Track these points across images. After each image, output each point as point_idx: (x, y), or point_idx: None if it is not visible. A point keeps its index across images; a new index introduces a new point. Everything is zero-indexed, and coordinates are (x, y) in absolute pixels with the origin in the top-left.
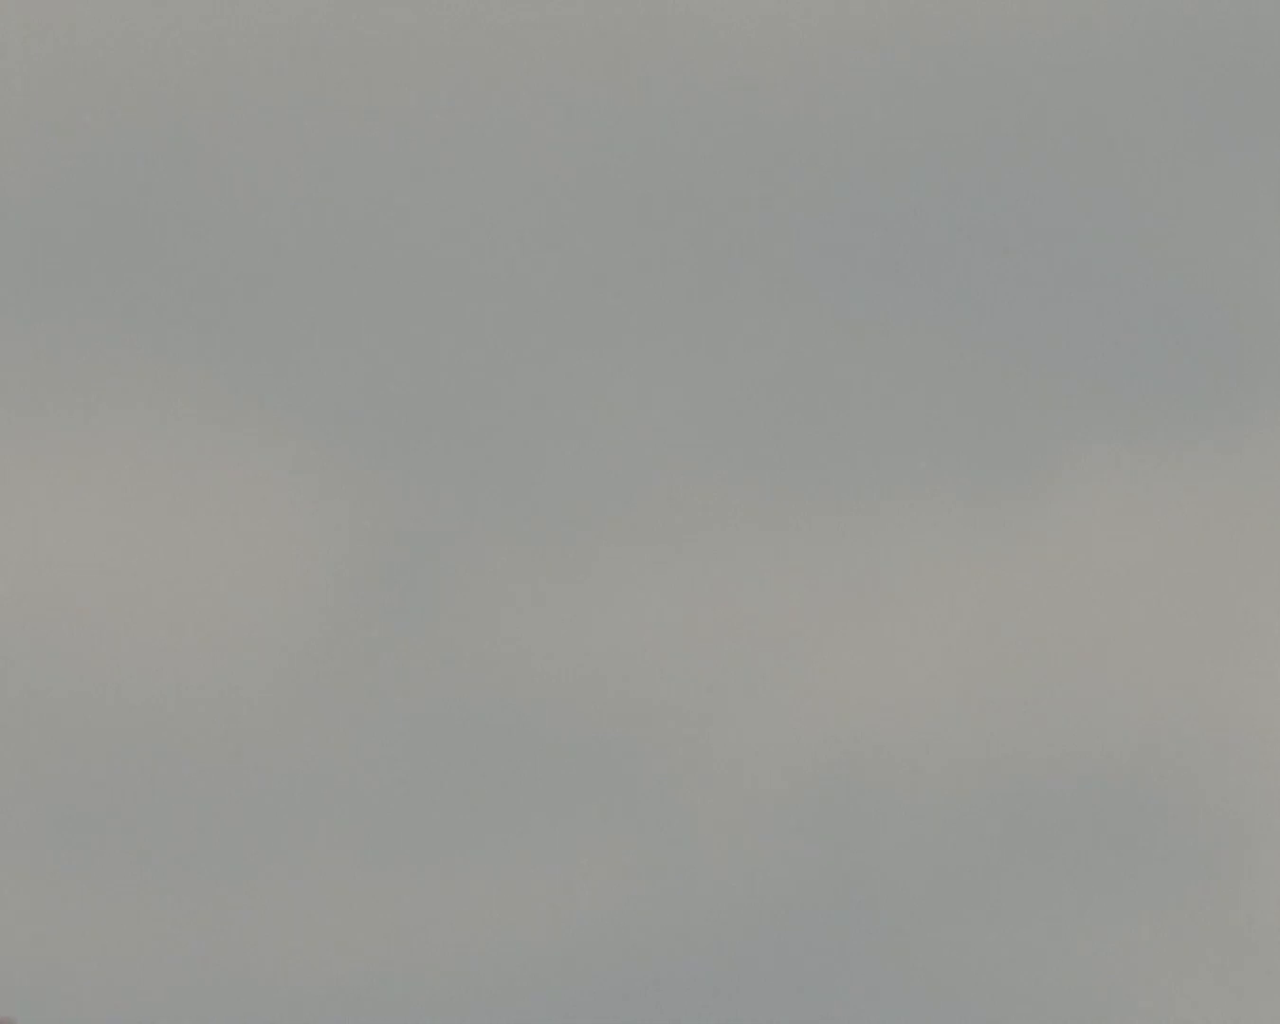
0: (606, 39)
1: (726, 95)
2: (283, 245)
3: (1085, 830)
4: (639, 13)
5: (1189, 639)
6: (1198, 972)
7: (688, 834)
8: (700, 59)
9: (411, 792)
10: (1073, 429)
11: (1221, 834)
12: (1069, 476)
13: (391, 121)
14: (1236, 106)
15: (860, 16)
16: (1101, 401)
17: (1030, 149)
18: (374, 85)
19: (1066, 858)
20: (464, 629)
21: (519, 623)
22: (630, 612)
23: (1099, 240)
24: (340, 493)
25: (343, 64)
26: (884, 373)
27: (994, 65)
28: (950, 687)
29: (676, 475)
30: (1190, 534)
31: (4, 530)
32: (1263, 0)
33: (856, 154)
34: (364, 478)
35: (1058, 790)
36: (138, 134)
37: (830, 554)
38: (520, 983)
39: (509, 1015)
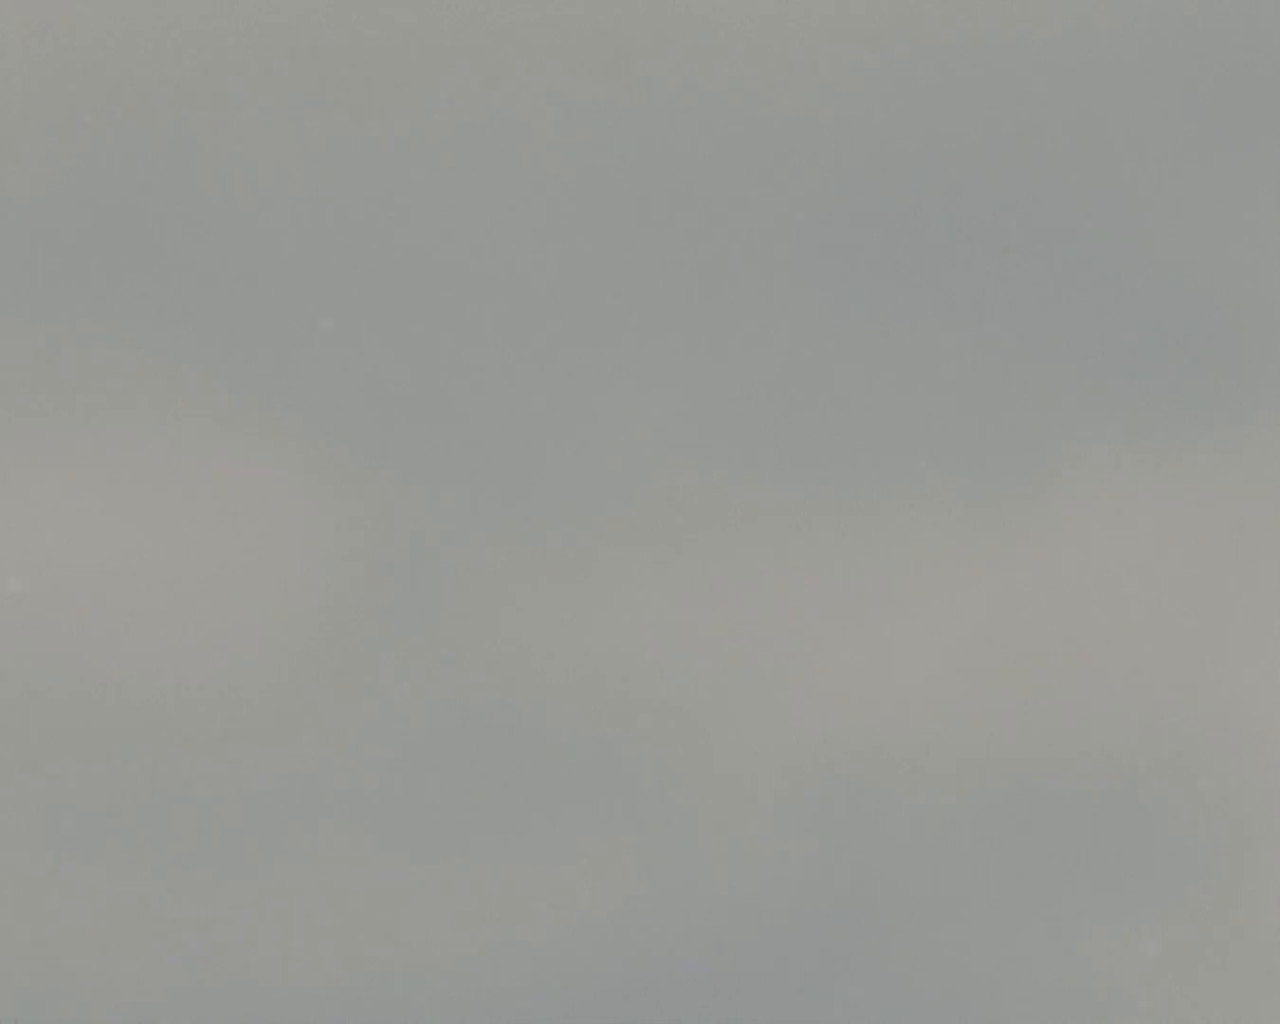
0: (606, 38)
1: (726, 94)
2: (282, 245)
3: (1089, 831)
4: (639, 12)
5: (1191, 639)
6: (1202, 972)
7: (689, 834)
8: (700, 58)
9: (412, 791)
10: (1074, 429)
11: (1225, 835)
12: (1070, 476)
13: (392, 122)
14: (1238, 107)
15: (860, 16)
16: (1103, 402)
17: (1032, 149)
18: (375, 86)
19: (1069, 858)
20: (465, 628)
21: (520, 622)
22: (631, 611)
23: (1101, 240)
24: (341, 492)
25: (344, 64)
26: (885, 373)
27: (995, 65)
28: (951, 687)
29: (677, 475)
30: (1192, 534)
31: (4, 530)
32: (1263, 0)
33: (857, 154)
34: (365, 477)
35: (1060, 791)
36: (141, 134)
37: (831, 554)
38: (521, 983)
39: (510, 1015)
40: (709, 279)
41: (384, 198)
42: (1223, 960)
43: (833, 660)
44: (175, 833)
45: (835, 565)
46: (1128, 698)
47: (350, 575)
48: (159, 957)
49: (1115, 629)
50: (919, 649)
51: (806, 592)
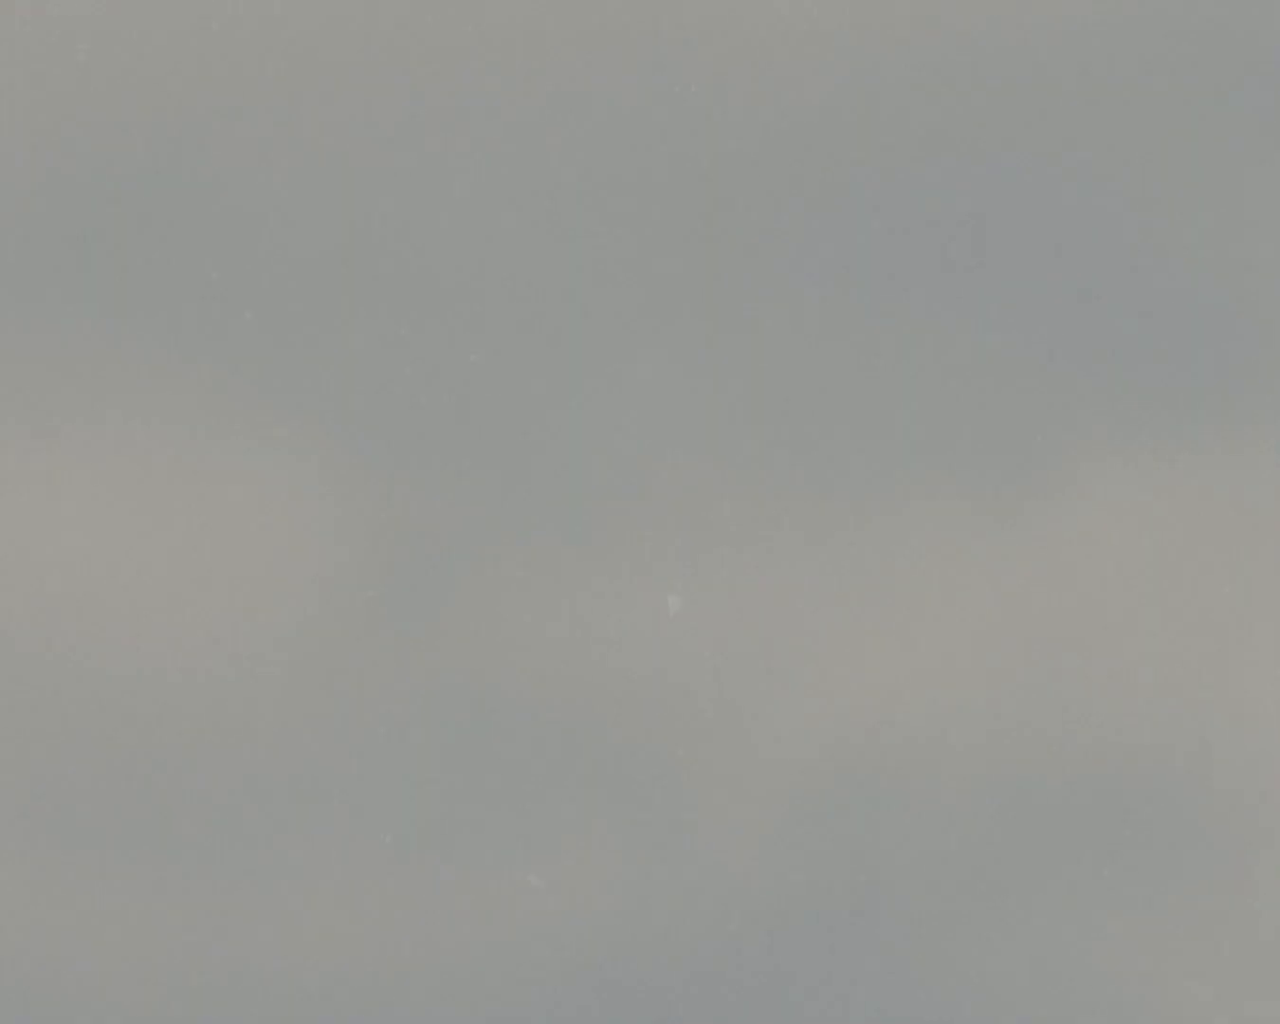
0: (610, 34)
1: (732, 92)
2: (282, 244)
3: (1099, 825)
4: (642, 11)
5: (1200, 637)
6: (1212, 966)
7: (691, 832)
8: (704, 56)
9: (412, 790)
10: (1083, 429)
11: (1235, 830)
12: (1080, 476)
13: (398, 126)
14: (1246, 109)
15: (861, 17)
16: (1112, 402)
17: (1046, 152)
18: (380, 90)
19: (1079, 853)
20: (466, 627)
21: (522, 622)
22: (638, 610)
23: (1112, 244)
24: (342, 490)
25: (347, 64)
26: (896, 373)
27: (1001, 67)
28: (959, 685)
29: (683, 475)
30: (1201, 533)
31: (4, 529)
32: (1263, 1)
33: (869, 154)
34: (367, 476)
35: (1068, 787)
36: (148, 134)
37: (839, 553)
38: (521, 982)
39: (509, 1015)
40: (717, 279)
41: (387, 198)
42: (1233, 954)
43: (840, 659)
44: (175, 831)
45: (843, 564)
46: (1138, 694)
47: (351, 575)
48: (158, 954)
49: (1124, 626)
50: (927, 647)
51: (812, 591)
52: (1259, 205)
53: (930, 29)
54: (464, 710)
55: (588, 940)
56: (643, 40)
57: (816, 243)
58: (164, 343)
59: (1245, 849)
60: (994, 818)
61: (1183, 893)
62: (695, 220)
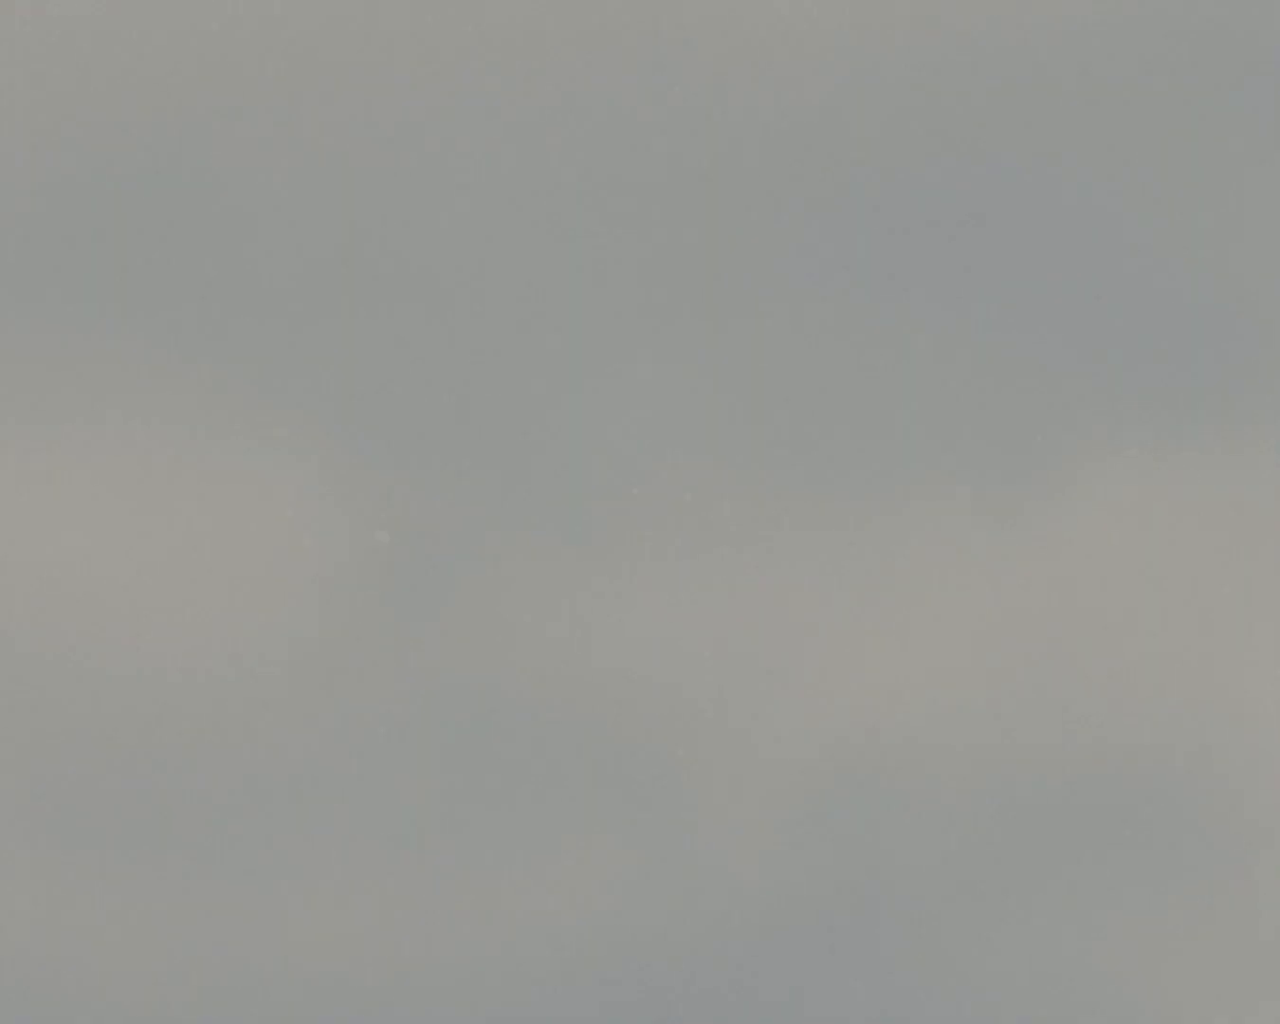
0: (610, 34)
1: (728, 92)
2: (282, 244)
3: (1102, 825)
4: (640, 11)
5: (1205, 637)
6: (1213, 966)
7: (692, 831)
8: (703, 56)
9: (412, 789)
10: (1088, 428)
11: (1238, 830)
12: (1085, 475)
13: (398, 128)
14: (1246, 108)
15: (860, 18)
16: (1117, 402)
17: (1046, 152)
18: (380, 91)
19: (1085, 855)
20: (467, 626)
21: (523, 621)
22: (638, 610)
23: (1117, 243)
24: (344, 489)
25: (347, 64)
26: (901, 372)
27: (1005, 67)
28: (964, 686)
29: (686, 475)
30: (1206, 533)
31: (4, 529)
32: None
33: (866, 153)
34: (368, 475)
35: (1074, 788)
36: (150, 134)
37: (843, 552)
38: (521, 981)
39: (509, 1015)
40: (717, 279)
41: (387, 198)
42: (1233, 954)
43: (840, 659)
44: (175, 831)
45: (843, 564)
46: (1142, 694)
47: (351, 575)
48: (158, 954)
49: (1124, 626)
50: (927, 647)
51: (812, 591)
52: (1259, 205)
53: (930, 29)
54: (464, 710)
55: (588, 940)
56: (643, 40)
57: (816, 243)
58: (164, 343)
59: (1245, 849)
60: (994, 818)
61: (1183, 893)
62: (695, 220)
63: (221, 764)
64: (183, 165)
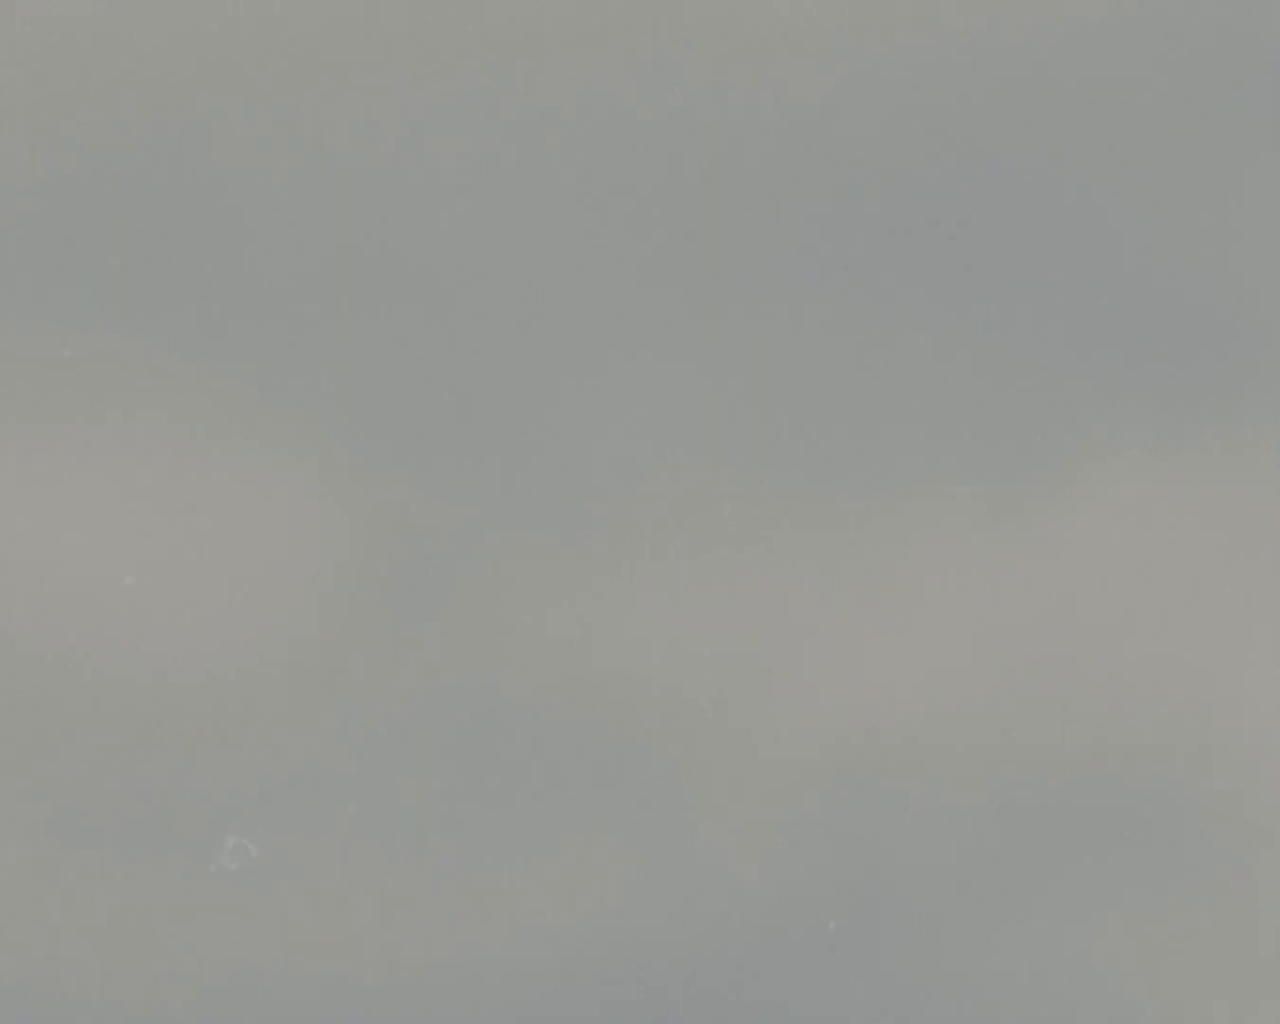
0: (610, 34)
1: (728, 92)
2: (282, 244)
3: (1102, 825)
4: (640, 11)
5: (1206, 637)
6: (1215, 969)
7: (700, 830)
8: (703, 56)
9: (411, 789)
10: (1089, 427)
11: (1239, 831)
12: (1086, 474)
13: (396, 127)
14: (1246, 108)
15: (861, 16)
16: (1118, 401)
17: (1046, 152)
18: (378, 89)
19: (1085, 855)
20: (466, 626)
21: (522, 621)
22: (640, 609)
23: (1119, 241)
24: (343, 489)
25: (347, 64)
26: (901, 371)
27: (1002, 65)
28: (964, 686)
29: (685, 474)
30: (1205, 535)
31: (4, 529)
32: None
33: (866, 153)
34: (368, 475)
35: (1074, 788)
36: (149, 133)
37: (843, 552)
38: (520, 981)
39: (509, 1015)
40: (717, 279)
41: (387, 198)
42: (1233, 954)
43: (840, 659)
44: (175, 831)
45: (843, 564)
46: (1142, 694)
47: (351, 575)
48: (158, 954)
49: (1124, 626)
50: (927, 647)
51: (812, 591)
52: (1259, 205)
53: (930, 29)
54: (464, 710)
55: (588, 940)
56: (643, 40)
57: (816, 243)
58: (164, 343)
59: (1245, 849)
60: (994, 818)
61: (1183, 893)
62: (695, 220)
63: (221, 764)
64: (183, 165)
